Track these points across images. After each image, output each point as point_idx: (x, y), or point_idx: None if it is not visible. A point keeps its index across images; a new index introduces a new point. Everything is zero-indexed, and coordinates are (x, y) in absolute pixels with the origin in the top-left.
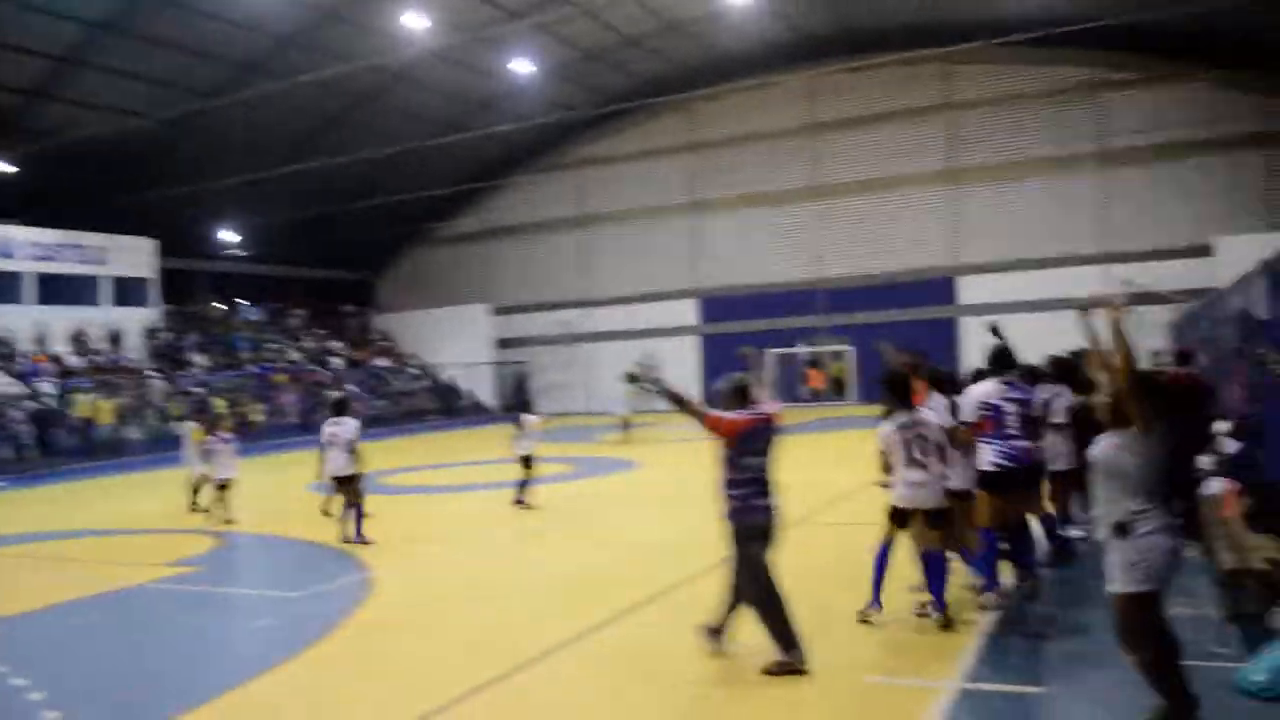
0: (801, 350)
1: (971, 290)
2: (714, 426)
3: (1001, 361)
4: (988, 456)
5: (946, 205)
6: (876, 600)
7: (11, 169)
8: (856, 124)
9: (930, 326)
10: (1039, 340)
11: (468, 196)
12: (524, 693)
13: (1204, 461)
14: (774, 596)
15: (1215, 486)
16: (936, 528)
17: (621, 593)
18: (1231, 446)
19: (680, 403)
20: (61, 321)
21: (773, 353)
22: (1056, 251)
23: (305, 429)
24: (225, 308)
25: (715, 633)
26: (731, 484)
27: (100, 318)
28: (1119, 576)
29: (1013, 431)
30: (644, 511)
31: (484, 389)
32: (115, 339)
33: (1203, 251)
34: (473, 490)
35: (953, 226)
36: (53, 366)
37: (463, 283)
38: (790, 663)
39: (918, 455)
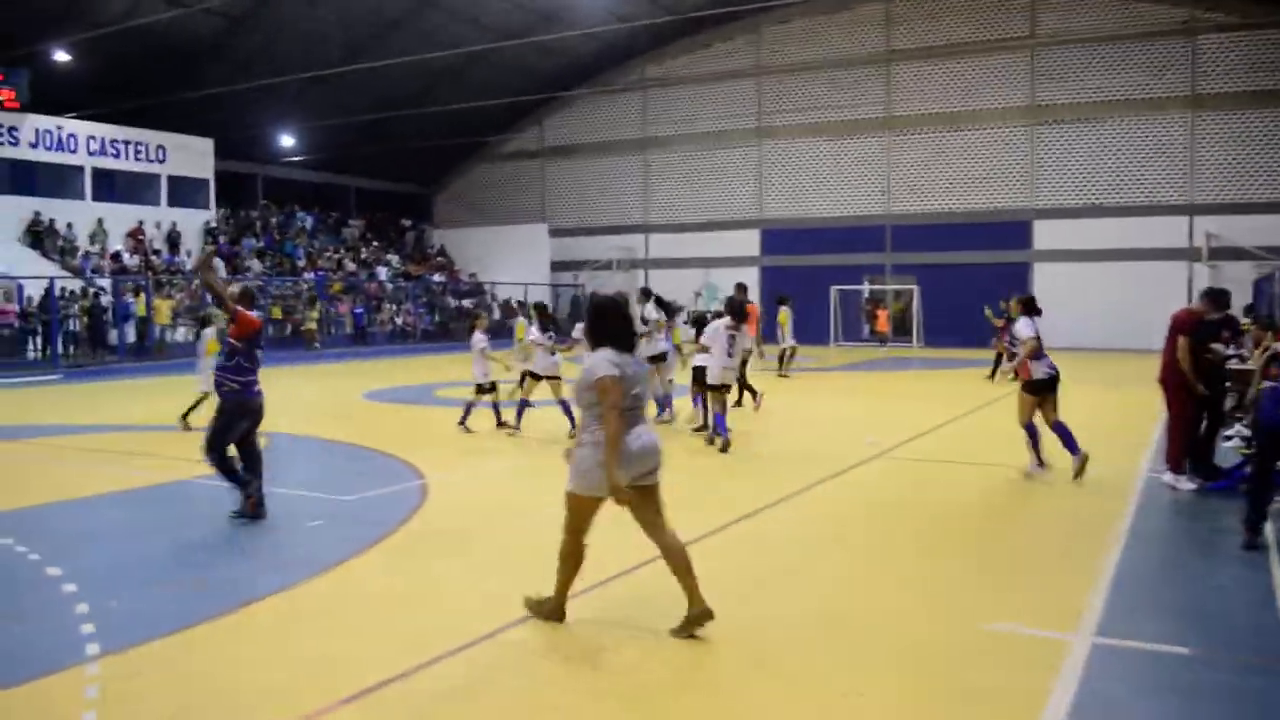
0: (866, 288)
1: (1047, 234)
2: (242, 320)
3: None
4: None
5: (1025, 144)
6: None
7: (67, 57)
8: (934, 54)
9: (1001, 270)
10: (1115, 289)
11: (529, 112)
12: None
13: None
14: (226, 456)
15: None
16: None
17: (705, 514)
18: None
19: (218, 296)
20: (119, 219)
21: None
22: (1139, 199)
23: (360, 339)
24: (281, 214)
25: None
26: (239, 370)
27: (158, 217)
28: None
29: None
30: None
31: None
32: (173, 239)
33: None
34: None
35: (1031, 167)
36: (110, 264)
37: (520, 201)
38: (251, 497)
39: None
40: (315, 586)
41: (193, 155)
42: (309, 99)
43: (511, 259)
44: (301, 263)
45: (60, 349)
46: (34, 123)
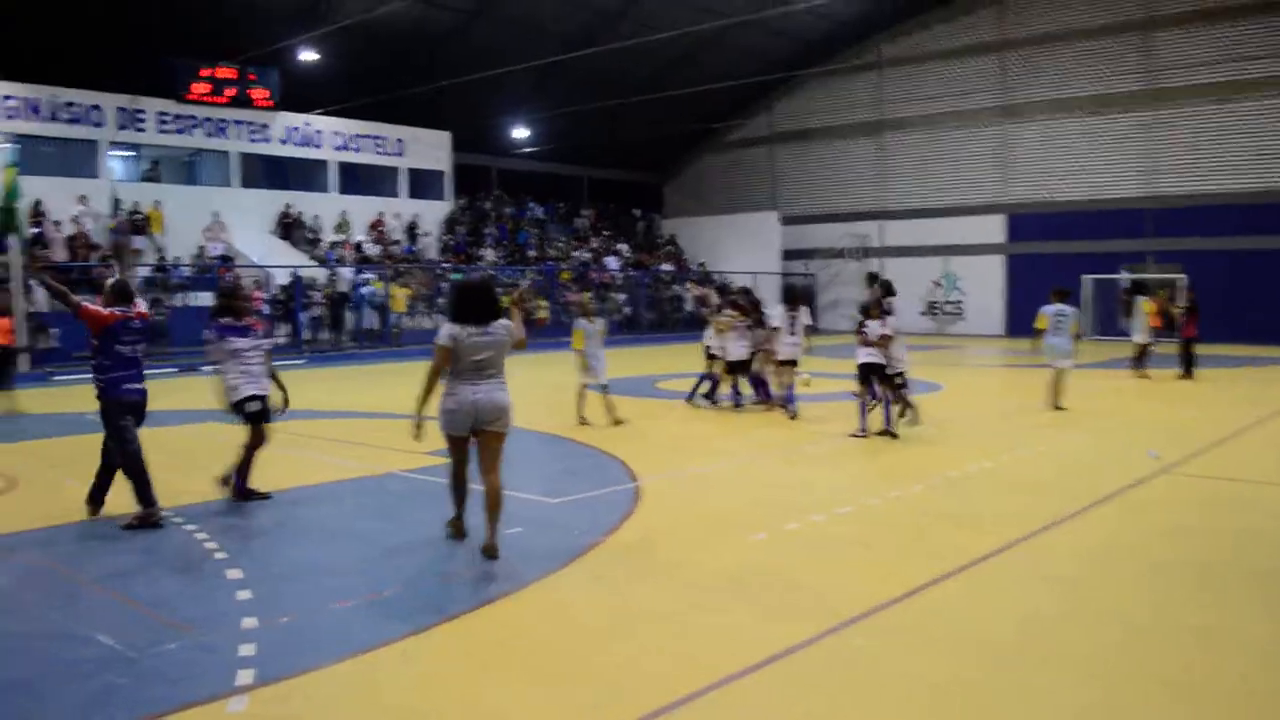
0: (1124, 277)
1: None
2: (86, 317)
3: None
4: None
5: None
6: None
7: (314, 56)
8: (1199, 19)
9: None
10: None
11: (758, 96)
12: (811, 673)
13: None
14: (139, 461)
15: None
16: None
17: (946, 540)
18: None
19: (60, 295)
20: (362, 210)
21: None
22: None
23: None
24: (514, 205)
25: (96, 502)
26: (103, 368)
27: (398, 208)
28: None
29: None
30: (953, 443)
31: (771, 300)
32: (411, 230)
33: None
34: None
35: None
36: (352, 254)
37: (750, 189)
38: (148, 516)
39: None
40: (503, 610)
41: (430, 148)
42: (539, 89)
43: (742, 248)
44: (533, 253)
45: (305, 335)
46: (283, 120)
